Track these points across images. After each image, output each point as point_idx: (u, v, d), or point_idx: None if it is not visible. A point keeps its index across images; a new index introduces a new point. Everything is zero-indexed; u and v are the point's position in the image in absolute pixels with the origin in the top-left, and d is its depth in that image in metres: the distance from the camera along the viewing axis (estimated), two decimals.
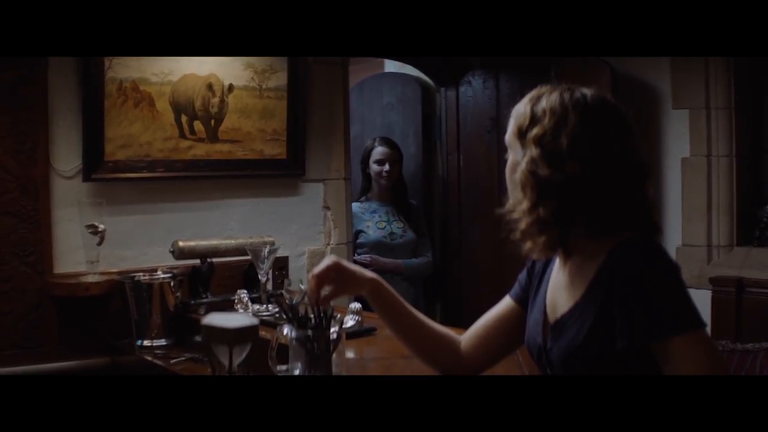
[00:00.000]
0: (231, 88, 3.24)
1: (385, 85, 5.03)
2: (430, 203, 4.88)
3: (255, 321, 1.62)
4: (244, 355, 1.60)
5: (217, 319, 1.61)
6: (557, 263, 1.61)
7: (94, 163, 2.99)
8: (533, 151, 1.47)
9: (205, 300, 2.91)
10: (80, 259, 2.94)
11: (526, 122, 1.50)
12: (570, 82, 1.55)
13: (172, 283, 2.83)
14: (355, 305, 2.55)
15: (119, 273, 2.94)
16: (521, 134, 1.51)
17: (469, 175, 4.57)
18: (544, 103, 1.50)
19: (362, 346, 2.41)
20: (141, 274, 2.87)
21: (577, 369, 1.49)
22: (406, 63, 4.82)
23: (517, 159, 1.53)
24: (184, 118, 3.16)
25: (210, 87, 3.19)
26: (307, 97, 3.49)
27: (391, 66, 5.15)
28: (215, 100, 3.21)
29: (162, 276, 2.85)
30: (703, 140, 3.93)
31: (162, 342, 2.77)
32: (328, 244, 3.62)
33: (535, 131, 1.48)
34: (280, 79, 3.37)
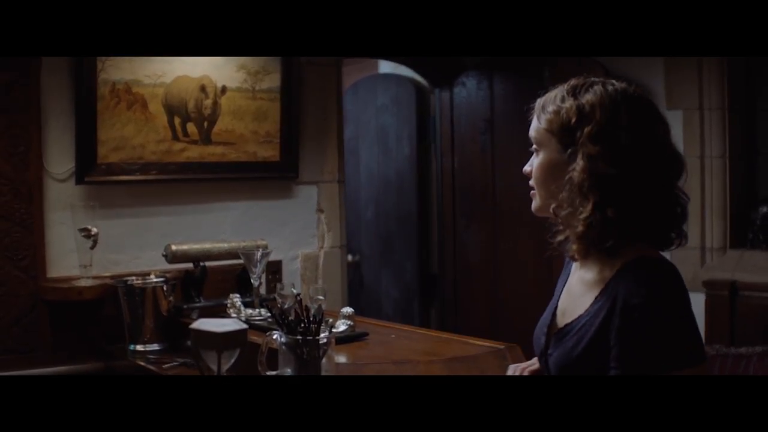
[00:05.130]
0: (224, 89, 3.24)
1: (380, 87, 5.03)
2: (425, 205, 4.87)
3: (243, 326, 1.62)
4: (233, 360, 1.60)
5: (205, 324, 1.60)
6: (574, 268, 1.59)
7: (87, 165, 2.98)
8: (591, 148, 1.41)
9: (197, 304, 2.90)
10: (73, 263, 2.94)
11: (574, 118, 1.44)
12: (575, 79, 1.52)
13: (164, 288, 2.83)
14: (348, 310, 2.55)
15: (112, 277, 2.94)
16: (565, 130, 1.46)
17: (463, 176, 4.57)
18: (588, 97, 1.45)
19: (354, 351, 2.41)
20: (134, 278, 2.87)
21: None
22: (401, 64, 4.81)
23: (555, 156, 1.48)
24: (177, 120, 3.16)
25: (203, 89, 3.19)
26: (300, 99, 3.49)
27: (385, 67, 5.14)
28: (208, 102, 3.21)
29: (155, 280, 2.85)
30: (697, 141, 3.93)
31: (155, 347, 2.76)
32: (322, 248, 3.62)
33: (590, 128, 1.42)
34: (273, 81, 3.37)
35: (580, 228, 1.42)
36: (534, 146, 1.55)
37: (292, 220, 3.54)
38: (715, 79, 3.91)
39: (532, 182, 1.57)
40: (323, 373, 1.77)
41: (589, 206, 1.40)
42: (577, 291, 1.54)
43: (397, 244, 4.90)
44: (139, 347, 2.76)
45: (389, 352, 2.39)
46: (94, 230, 2.88)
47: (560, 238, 1.49)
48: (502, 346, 2.27)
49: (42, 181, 2.94)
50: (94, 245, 2.89)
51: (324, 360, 1.79)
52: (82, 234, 2.87)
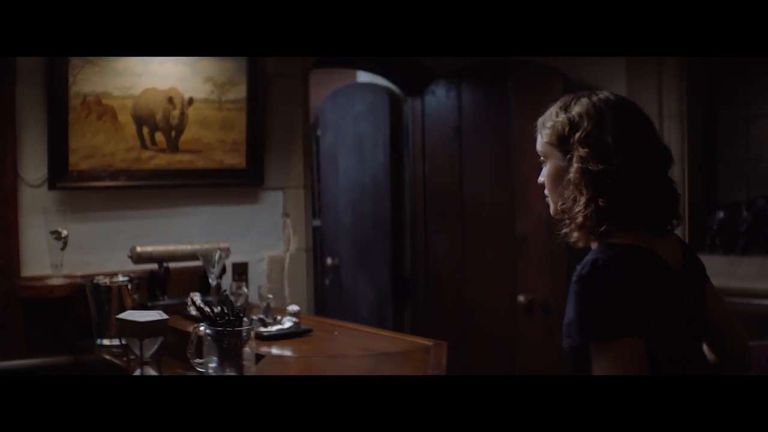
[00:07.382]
0: (191, 101, 3.41)
1: (357, 95, 5.16)
2: (399, 211, 5.00)
3: (165, 317, 1.79)
4: (155, 347, 1.77)
5: (132, 315, 1.77)
6: None
7: (59, 172, 3.17)
8: (581, 151, 1.65)
9: (161, 302, 3.07)
10: (46, 264, 3.11)
11: (566, 128, 1.69)
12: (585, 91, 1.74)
13: (129, 286, 2.99)
14: (294, 307, 2.71)
15: (82, 276, 3.11)
16: (562, 140, 1.69)
17: (434, 183, 4.68)
18: (577, 109, 1.69)
19: (297, 345, 2.56)
20: (101, 277, 3.04)
21: (572, 362, 1.66)
22: (376, 74, 4.94)
23: (558, 164, 1.71)
24: (145, 130, 3.33)
25: (170, 100, 3.36)
26: (266, 109, 3.66)
27: (363, 77, 5.28)
28: (175, 113, 3.38)
29: (120, 279, 3.02)
30: None
31: (119, 341, 2.92)
32: (287, 251, 3.78)
33: (578, 134, 1.66)
34: (239, 92, 3.54)
35: (579, 219, 1.65)
36: (542, 159, 1.79)
37: (258, 224, 3.71)
38: (674, 86, 4.01)
39: (545, 191, 1.79)
40: (245, 362, 1.93)
41: (584, 199, 1.63)
42: None
43: (373, 248, 5.04)
44: (105, 341, 2.92)
45: (328, 347, 2.56)
46: (64, 232, 3.05)
47: (565, 230, 1.70)
48: (430, 343, 2.44)
49: (17, 186, 3.13)
50: (65, 246, 3.06)
51: (247, 349, 1.96)
52: (53, 236, 3.05)
